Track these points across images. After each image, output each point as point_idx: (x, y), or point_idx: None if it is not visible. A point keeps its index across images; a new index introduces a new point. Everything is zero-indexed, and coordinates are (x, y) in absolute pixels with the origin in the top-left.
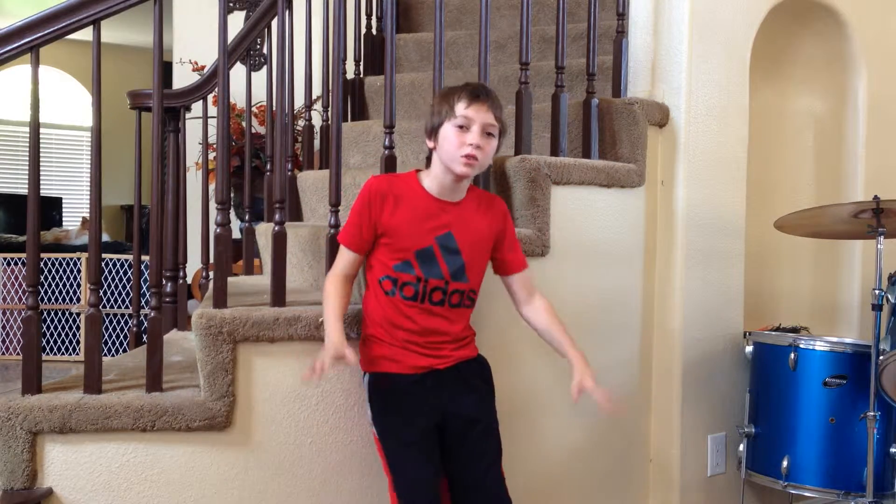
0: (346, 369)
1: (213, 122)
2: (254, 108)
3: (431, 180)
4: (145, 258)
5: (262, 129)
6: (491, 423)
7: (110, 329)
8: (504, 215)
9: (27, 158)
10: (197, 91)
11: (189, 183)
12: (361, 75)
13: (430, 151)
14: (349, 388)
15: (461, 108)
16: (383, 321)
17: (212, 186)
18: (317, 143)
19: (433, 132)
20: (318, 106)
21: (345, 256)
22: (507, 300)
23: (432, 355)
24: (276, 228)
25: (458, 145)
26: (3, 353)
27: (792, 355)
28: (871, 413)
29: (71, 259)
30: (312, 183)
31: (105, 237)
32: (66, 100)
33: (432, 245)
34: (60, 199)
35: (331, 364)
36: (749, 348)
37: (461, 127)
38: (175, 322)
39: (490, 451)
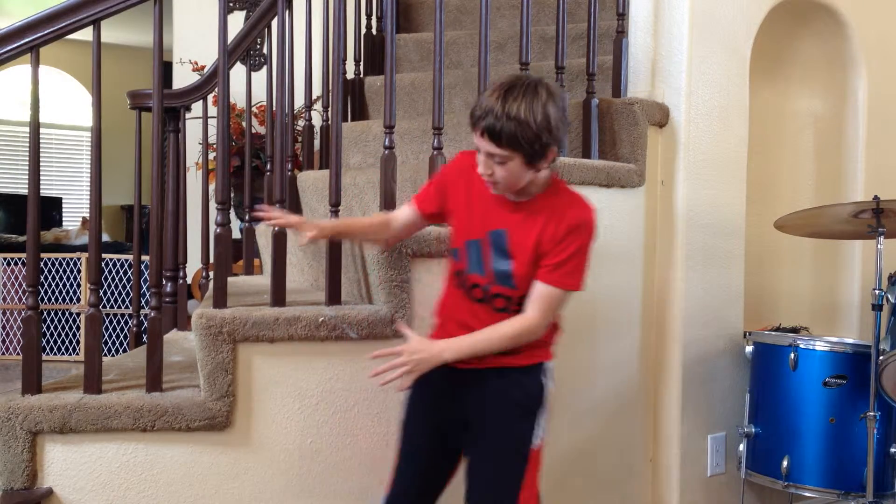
0: (345, 369)
1: (213, 122)
2: (254, 108)
3: None
4: (145, 258)
5: (262, 129)
6: (491, 440)
7: (110, 329)
8: (562, 224)
9: (27, 158)
10: (197, 91)
11: (189, 183)
12: (361, 75)
13: None
14: (349, 389)
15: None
16: (441, 304)
17: (212, 186)
18: (317, 143)
19: None
20: (318, 106)
21: (406, 207)
22: None
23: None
24: (276, 228)
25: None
26: (3, 353)
27: (792, 355)
28: (871, 413)
29: (71, 259)
30: (312, 183)
31: (105, 237)
32: (66, 100)
33: (483, 239)
34: (60, 199)
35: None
36: (749, 348)
37: (477, 149)
38: (175, 322)
39: (478, 471)
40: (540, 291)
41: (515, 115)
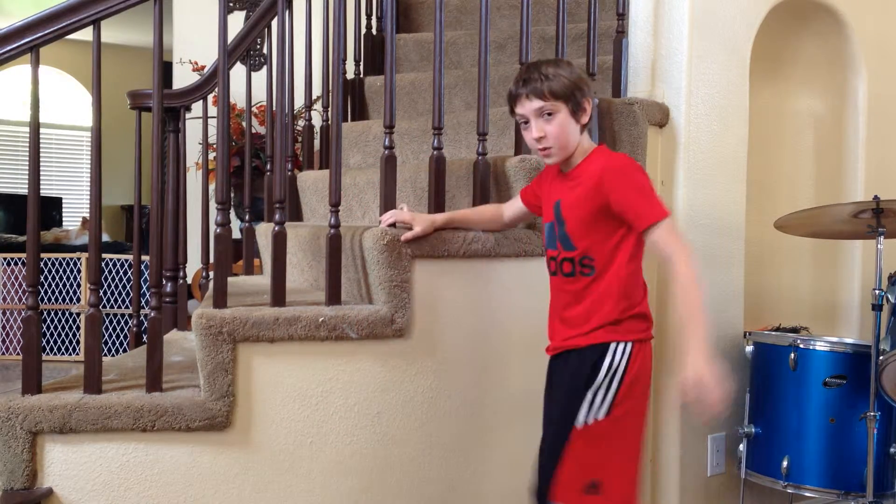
0: (345, 369)
1: (213, 122)
2: (254, 108)
3: None
4: (145, 258)
5: (262, 129)
6: (554, 420)
7: (110, 329)
8: (597, 174)
9: (27, 158)
10: (197, 91)
11: (189, 183)
12: (361, 75)
13: None
14: (349, 389)
15: (514, 108)
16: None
17: (212, 186)
18: (317, 143)
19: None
20: (318, 106)
21: (516, 199)
22: (502, 297)
23: (553, 337)
24: (276, 228)
25: (529, 142)
26: (3, 353)
27: (792, 355)
28: (871, 413)
29: (71, 259)
30: (312, 183)
31: (105, 237)
32: (66, 100)
33: (552, 217)
34: (60, 199)
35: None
36: (749, 348)
37: (523, 123)
38: (175, 322)
39: (541, 459)
40: (656, 236)
41: (553, 72)
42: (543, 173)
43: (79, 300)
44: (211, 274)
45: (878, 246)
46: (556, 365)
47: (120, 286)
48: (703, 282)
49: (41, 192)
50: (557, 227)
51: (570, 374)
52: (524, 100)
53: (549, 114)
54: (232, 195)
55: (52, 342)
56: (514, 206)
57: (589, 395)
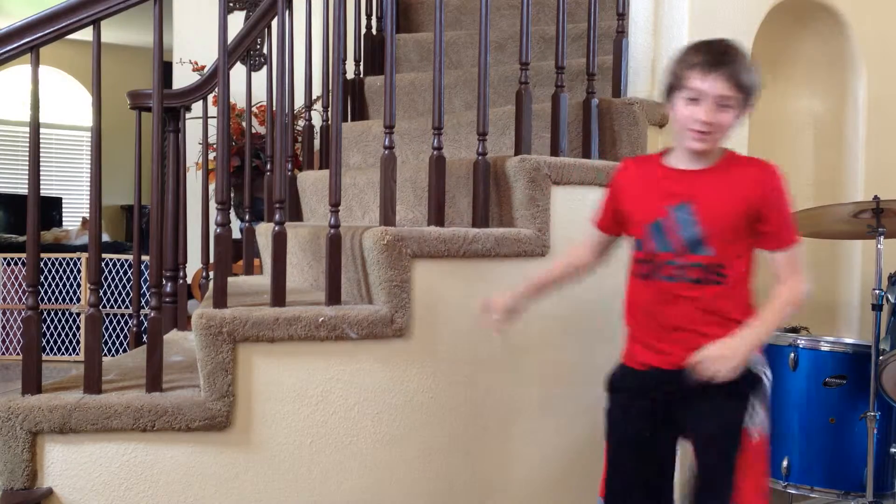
0: (345, 369)
1: (213, 122)
2: (254, 108)
3: (674, 150)
4: (145, 258)
5: (262, 129)
6: (715, 439)
7: (110, 329)
8: (759, 183)
9: (27, 158)
10: (197, 91)
11: (189, 183)
12: (361, 75)
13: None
14: (349, 388)
15: (692, 79)
16: (629, 306)
17: (212, 186)
18: (317, 143)
19: (668, 97)
20: (318, 106)
21: (592, 231)
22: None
23: (658, 349)
24: (276, 228)
25: (687, 118)
26: (3, 353)
27: (792, 355)
28: (871, 413)
29: (71, 259)
30: (312, 183)
31: (105, 237)
32: (66, 100)
33: (665, 217)
34: (60, 199)
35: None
36: None
37: (692, 99)
38: (175, 322)
39: (707, 474)
40: (779, 259)
41: (748, 65)
42: (632, 176)
43: (79, 300)
44: (211, 274)
45: (878, 246)
46: (684, 377)
47: (120, 286)
48: (792, 310)
49: (41, 192)
50: (683, 228)
51: (723, 384)
52: (715, 77)
53: (727, 105)
54: (232, 195)
55: (52, 342)
56: (591, 243)
57: (749, 406)
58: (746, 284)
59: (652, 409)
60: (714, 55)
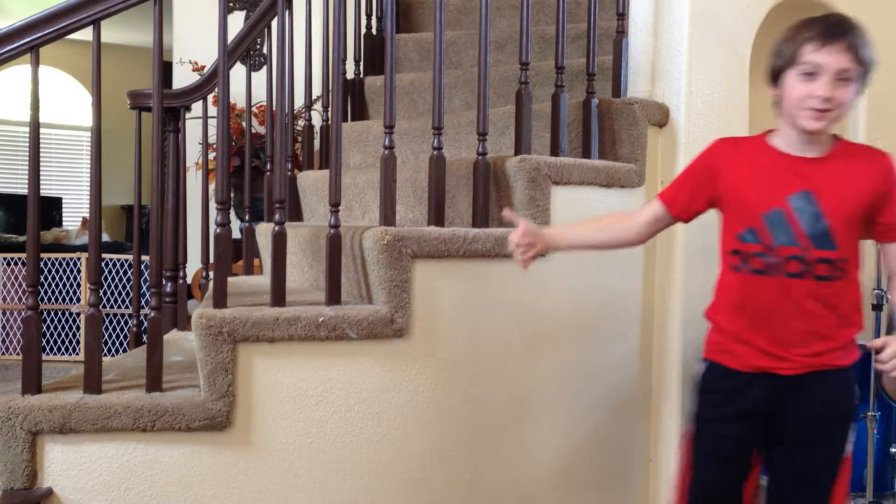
0: (344, 369)
1: (213, 122)
2: (254, 108)
3: (781, 134)
4: (145, 258)
5: (262, 129)
6: (819, 474)
7: (110, 329)
8: (883, 174)
9: (27, 158)
10: (197, 91)
11: (189, 183)
12: (361, 75)
13: (776, 99)
14: (349, 389)
15: (809, 52)
16: (728, 303)
17: (212, 186)
18: (317, 143)
19: (775, 77)
20: (318, 106)
21: (652, 206)
22: (502, 298)
23: (774, 354)
24: (276, 228)
25: (803, 96)
26: (3, 353)
27: None
28: (871, 413)
29: (71, 259)
30: (312, 183)
31: (105, 237)
32: (66, 100)
33: (783, 207)
34: (60, 199)
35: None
36: None
37: (808, 74)
38: (175, 322)
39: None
40: None
41: (867, 40)
42: (733, 157)
43: (79, 300)
44: (211, 274)
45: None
46: (800, 384)
47: (120, 286)
48: None
49: (41, 192)
50: (806, 221)
51: (834, 395)
52: (834, 48)
53: (847, 79)
54: (232, 195)
55: (52, 342)
56: (653, 214)
57: (852, 428)
58: (858, 280)
59: (750, 414)
60: (831, 26)
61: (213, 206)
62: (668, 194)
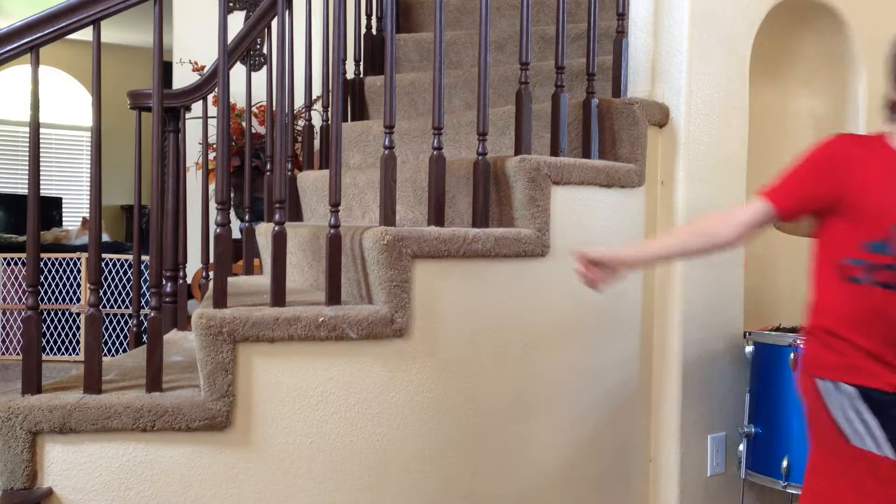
0: (344, 369)
1: (213, 122)
2: (254, 108)
3: None
4: (145, 258)
5: (262, 129)
6: None
7: (110, 329)
8: None
9: (27, 158)
10: (197, 91)
11: (189, 183)
12: (361, 75)
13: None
14: (349, 389)
15: None
16: (845, 318)
17: (212, 186)
18: (317, 143)
19: None
20: (318, 106)
21: (754, 205)
22: (502, 298)
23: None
24: (276, 228)
25: None
26: (3, 353)
27: (792, 355)
28: None
29: (71, 259)
30: (312, 183)
31: (105, 237)
32: (66, 100)
33: None
34: (60, 199)
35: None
36: (749, 348)
37: None
38: (175, 322)
39: None
40: None
41: None
42: (860, 157)
43: (79, 300)
44: (211, 274)
45: None
46: None
47: (120, 286)
48: None
49: (41, 192)
50: None
51: None
52: None
53: None
54: (232, 195)
55: (52, 342)
56: (752, 223)
57: None
58: None
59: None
60: None
61: (213, 206)
62: (778, 191)
